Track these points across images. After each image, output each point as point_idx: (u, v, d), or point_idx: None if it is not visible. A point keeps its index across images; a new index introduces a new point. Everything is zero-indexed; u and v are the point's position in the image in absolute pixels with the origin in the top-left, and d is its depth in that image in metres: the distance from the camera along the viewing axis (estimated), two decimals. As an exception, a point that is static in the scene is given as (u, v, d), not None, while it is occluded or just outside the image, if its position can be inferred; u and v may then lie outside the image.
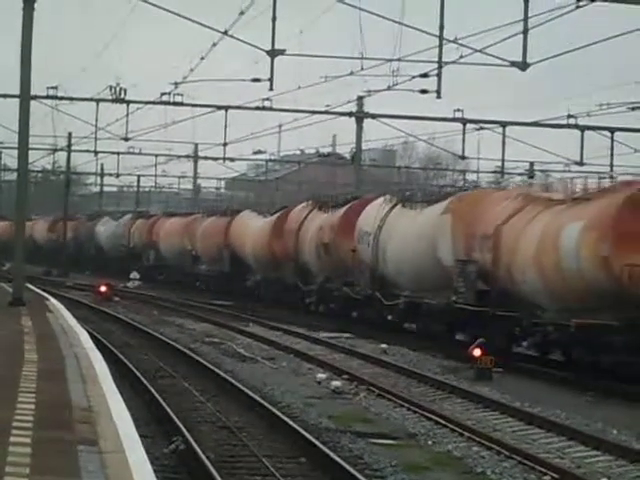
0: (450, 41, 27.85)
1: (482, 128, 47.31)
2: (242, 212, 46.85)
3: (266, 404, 18.04)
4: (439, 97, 28.82)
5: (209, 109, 47.45)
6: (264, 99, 43.90)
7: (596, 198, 22.38)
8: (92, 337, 20.76)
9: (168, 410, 16.88)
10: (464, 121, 46.39)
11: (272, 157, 69.72)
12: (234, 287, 44.35)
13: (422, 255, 28.29)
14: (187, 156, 70.22)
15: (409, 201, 31.34)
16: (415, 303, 29.27)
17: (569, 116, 44.53)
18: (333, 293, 35.01)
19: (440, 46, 27.14)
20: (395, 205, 31.67)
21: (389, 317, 31.14)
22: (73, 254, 68.35)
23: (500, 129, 46.77)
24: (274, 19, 27.60)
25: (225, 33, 29.32)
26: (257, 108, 45.48)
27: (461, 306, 26.09)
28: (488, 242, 25.17)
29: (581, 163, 46.71)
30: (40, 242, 77.25)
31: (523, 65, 26.85)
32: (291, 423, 16.32)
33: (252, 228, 42.87)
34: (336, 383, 21.51)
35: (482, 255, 25.52)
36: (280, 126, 54.28)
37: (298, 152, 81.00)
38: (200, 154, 68.89)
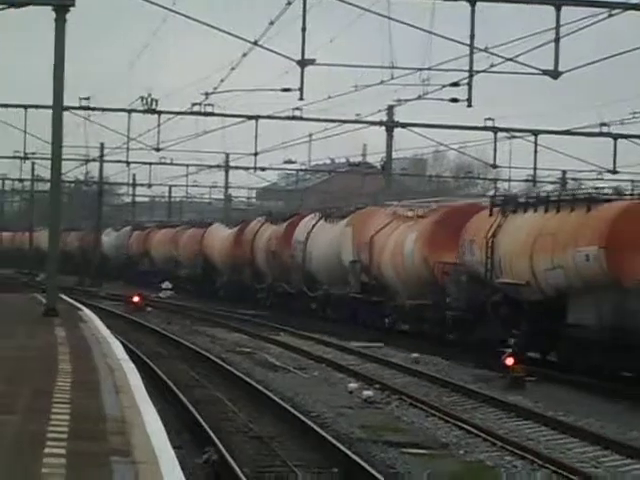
0: (481, 50, 27.81)
1: (513, 137, 47.20)
2: (213, 224, 56.76)
3: (298, 414, 18.06)
4: (470, 106, 28.77)
5: (240, 119, 47.63)
6: (294, 109, 44.03)
7: (426, 217, 33.12)
8: (125, 347, 20.86)
9: (200, 420, 16.94)
10: (495, 130, 46.30)
11: (302, 167, 69.85)
12: (206, 287, 54.06)
13: (332, 257, 38.58)
14: (218, 166, 70.45)
15: (329, 216, 41.06)
16: (329, 294, 39.22)
17: (602, 124, 44.37)
18: (277, 290, 44.73)
19: (471, 55, 27.09)
20: (319, 220, 41.76)
21: (313, 306, 41.19)
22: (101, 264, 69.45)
23: (532, 137, 46.63)
24: (304, 29, 27.65)
25: (255, 43, 29.42)
26: (287, 118, 45.59)
27: (353, 295, 36.45)
28: (367, 247, 35.60)
29: (614, 171, 46.49)
30: (72, 252, 77.80)
31: (555, 73, 26.77)
32: (323, 433, 16.34)
33: (220, 238, 53.24)
34: (368, 393, 21.51)
35: (364, 256, 35.83)
36: (310, 135, 54.39)
37: (328, 161, 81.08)
38: (231, 164, 69.07)
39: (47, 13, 27.76)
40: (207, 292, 52.41)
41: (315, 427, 16.82)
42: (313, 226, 41.34)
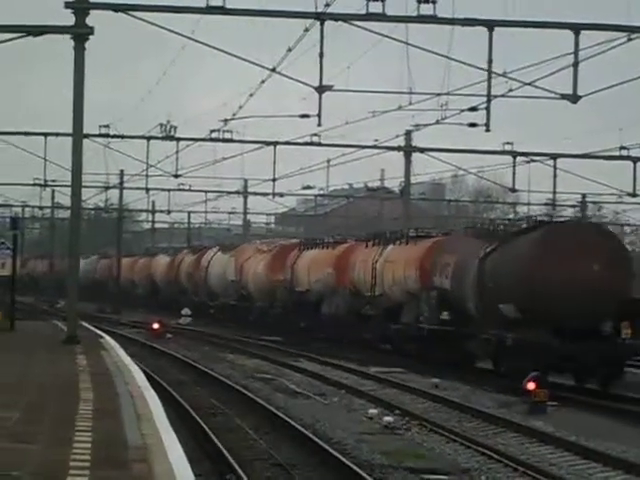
0: (499, 75, 27.89)
1: (532, 160, 47.20)
2: (158, 255, 72.12)
3: (318, 440, 18.03)
4: (488, 130, 28.82)
5: (258, 145, 47.79)
6: (312, 135, 44.18)
7: (269, 251, 51.83)
8: (145, 374, 20.90)
9: (221, 447, 16.94)
10: (514, 154, 46.33)
11: (321, 192, 69.94)
12: (153, 300, 68.64)
13: (223, 276, 56.48)
14: (237, 192, 70.63)
15: (224, 249, 58.73)
16: (223, 302, 56.43)
17: (621, 147, 44.34)
18: (193, 299, 60.83)
19: (489, 80, 27.17)
20: (217, 251, 59.50)
21: (211, 311, 57.65)
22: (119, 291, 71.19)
23: (551, 161, 46.62)
24: (321, 55, 27.78)
25: (273, 70, 29.57)
26: (306, 144, 45.72)
27: (233, 302, 54.95)
28: (239, 270, 53.80)
29: (634, 194, 46.41)
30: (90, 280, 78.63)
31: (574, 98, 26.81)
32: (343, 459, 16.30)
33: (161, 265, 69.48)
34: (388, 418, 21.45)
35: (238, 276, 53.92)
36: (329, 161, 54.51)
37: (347, 187, 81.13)
38: (249, 190, 69.29)
39: (67, 42, 28.00)
40: (152, 303, 68.40)
41: (336, 454, 16.79)
42: (213, 255, 59.31)
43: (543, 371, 24.82)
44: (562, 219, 31.66)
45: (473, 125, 33.96)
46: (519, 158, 46.41)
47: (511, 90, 29.55)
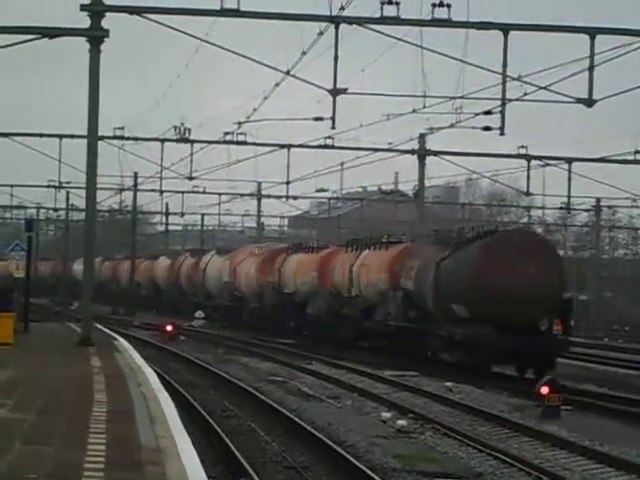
0: (514, 79, 27.86)
1: (547, 164, 47.14)
2: (160, 257, 73.33)
3: (331, 443, 18.03)
4: (502, 134, 28.80)
5: (272, 148, 47.84)
6: (326, 137, 44.23)
7: (259, 254, 54.04)
8: (159, 376, 20.93)
9: (234, 450, 16.95)
10: (528, 158, 46.27)
11: (334, 195, 69.96)
12: (155, 300, 70.45)
13: (219, 278, 58.60)
14: (250, 194, 70.73)
15: (219, 252, 61.57)
16: (218, 303, 59.06)
17: (636, 151, 44.25)
18: (193, 299, 63.07)
19: (503, 84, 27.15)
20: (214, 254, 61.88)
21: (209, 311, 58.82)
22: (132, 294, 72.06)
23: (566, 165, 46.53)
24: (336, 58, 27.82)
25: (287, 73, 29.61)
26: (319, 146, 45.76)
27: (227, 303, 56.97)
28: (233, 273, 55.72)
29: (648, 198, 46.33)
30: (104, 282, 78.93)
31: (589, 101, 26.76)
32: (356, 463, 16.30)
33: (162, 267, 71.47)
34: (401, 422, 21.43)
35: (232, 278, 55.80)
36: (342, 164, 54.52)
37: (360, 190, 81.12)
38: (263, 192, 69.33)
39: (82, 44, 28.07)
40: (155, 304, 70.46)
41: (349, 457, 16.79)
42: (210, 258, 61.50)
43: (487, 363, 29.67)
44: (505, 229, 35.08)
45: (487, 129, 33.94)
46: (533, 162, 46.35)
47: (526, 94, 29.53)
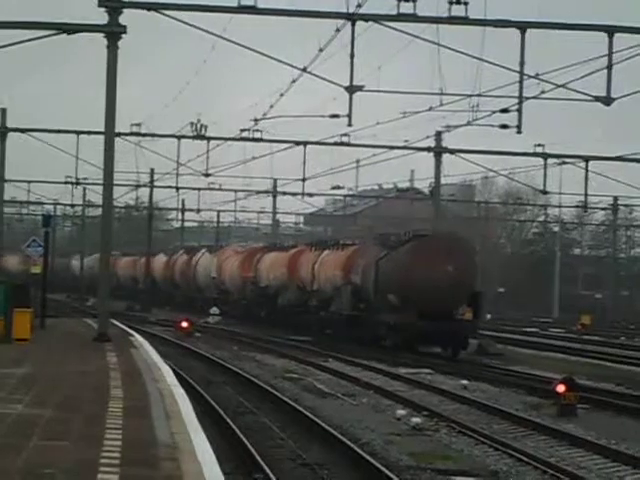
0: (531, 77, 27.78)
1: (564, 163, 46.99)
2: (158, 254, 76.19)
3: (346, 441, 18.03)
4: (519, 132, 28.71)
5: (288, 145, 47.83)
6: (342, 135, 44.17)
7: (241, 252, 61.00)
8: (174, 372, 20.95)
9: (249, 447, 16.96)
10: (545, 156, 46.13)
11: (350, 192, 69.90)
12: (150, 294, 70.13)
13: (207, 274, 64.67)
14: (266, 191, 70.72)
15: (211, 250, 66.54)
16: (207, 296, 63.51)
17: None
18: (186, 293, 68.82)
19: (521, 82, 27.08)
20: (205, 252, 67.14)
21: (199, 303, 63.27)
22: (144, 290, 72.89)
23: (583, 164, 46.37)
24: (352, 55, 27.78)
25: (304, 70, 29.59)
26: (335, 144, 45.72)
27: (214, 296, 61.22)
28: (220, 269, 62.16)
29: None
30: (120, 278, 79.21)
31: (607, 100, 26.66)
32: (372, 460, 16.29)
33: (160, 263, 74.89)
34: (416, 420, 21.41)
35: (218, 274, 62.54)
36: (358, 161, 54.52)
37: (376, 187, 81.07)
38: (279, 189, 69.36)
39: (99, 40, 28.13)
40: (150, 295, 71.47)
41: (364, 454, 16.78)
42: (201, 255, 67.35)
43: (413, 344, 36.86)
44: (432, 233, 40.60)
45: (505, 127, 33.84)
46: (550, 160, 46.21)
47: (543, 92, 29.43)
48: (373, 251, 41.02)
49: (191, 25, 27.97)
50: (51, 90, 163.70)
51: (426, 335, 36.46)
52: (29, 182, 68.90)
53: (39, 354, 23.44)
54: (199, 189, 65.61)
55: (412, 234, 39.06)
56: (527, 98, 28.19)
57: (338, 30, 27.73)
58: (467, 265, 37.45)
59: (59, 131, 47.85)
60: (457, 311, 37.34)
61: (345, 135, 44.04)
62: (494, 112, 33.17)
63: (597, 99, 26.93)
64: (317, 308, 46.58)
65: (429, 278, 36.51)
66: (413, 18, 27.11)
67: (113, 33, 27.84)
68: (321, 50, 28.82)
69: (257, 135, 44.45)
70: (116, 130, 29.59)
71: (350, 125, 29.52)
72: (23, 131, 47.82)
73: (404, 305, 36.92)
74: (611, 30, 26.42)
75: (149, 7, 28.00)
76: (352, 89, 28.22)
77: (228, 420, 19.87)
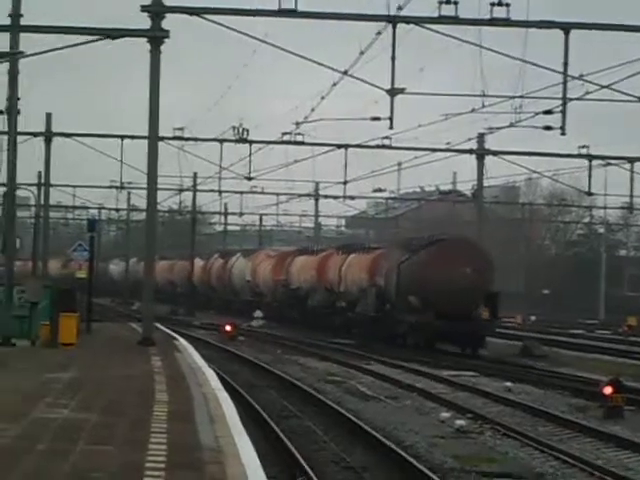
0: (575, 78, 27.62)
1: (609, 164, 46.65)
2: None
3: (390, 444, 18.00)
4: (563, 134, 28.53)
5: (329, 148, 47.84)
6: (384, 137, 44.13)
7: (273, 257, 64.11)
8: (218, 376, 21.01)
9: (293, 450, 16.99)
10: (590, 157, 45.82)
11: (392, 195, 69.81)
12: (189, 298, 70.92)
13: (242, 277, 67.14)
14: (308, 195, 70.77)
15: (246, 254, 69.83)
16: (242, 299, 67.24)
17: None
18: (222, 296, 71.30)
19: (564, 83, 26.93)
20: (239, 257, 70.20)
21: (232, 305, 67.94)
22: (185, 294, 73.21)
23: (628, 165, 46.00)
24: (393, 58, 27.74)
25: (345, 73, 29.60)
26: (377, 146, 45.68)
27: (248, 299, 64.90)
28: (254, 272, 64.62)
29: None
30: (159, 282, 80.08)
31: (651, 100, 26.43)
32: (416, 463, 16.25)
33: (197, 267, 76.11)
34: (460, 422, 21.34)
35: (252, 277, 64.97)
36: (400, 164, 54.38)
37: (418, 190, 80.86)
38: (320, 192, 69.38)
39: (143, 45, 28.31)
40: (191, 299, 71.99)
41: (408, 457, 16.75)
42: (236, 260, 70.46)
43: (432, 343, 38.77)
44: (450, 238, 42.11)
45: (548, 128, 33.64)
46: (595, 161, 45.89)
47: (588, 93, 29.25)
48: (396, 255, 43.07)
49: (232, 29, 28.08)
50: (96, 94, 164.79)
51: (444, 335, 38.39)
52: (74, 187, 69.44)
53: (85, 358, 23.61)
54: (241, 192, 65.81)
55: (434, 238, 41.41)
56: (571, 99, 28.04)
57: (379, 33, 27.72)
58: (483, 267, 39.47)
59: (104, 135, 48.16)
60: (477, 312, 39.17)
61: (386, 138, 44.02)
62: (537, 114, 33.02)
63: (641, 99, 26.73)
64: (344, 309, 48.57)
65: (446, 280, 38.46)
66: (454, 20, 27.03)
67: (156, 38, 28.01)
68: (362, 53, 28.84)
69: (299, 138, 44.53)
70: (159, 134, 29.75)
71: (391, 128, 29.50)
72: (68, 135, 48.19)
73: (424, 306, 38.96)
74: (655, 29, 26.21)
75: (191, 12, 28.14)
76: (393, 92, 28.19)
77: (272, 423, 19.91)
